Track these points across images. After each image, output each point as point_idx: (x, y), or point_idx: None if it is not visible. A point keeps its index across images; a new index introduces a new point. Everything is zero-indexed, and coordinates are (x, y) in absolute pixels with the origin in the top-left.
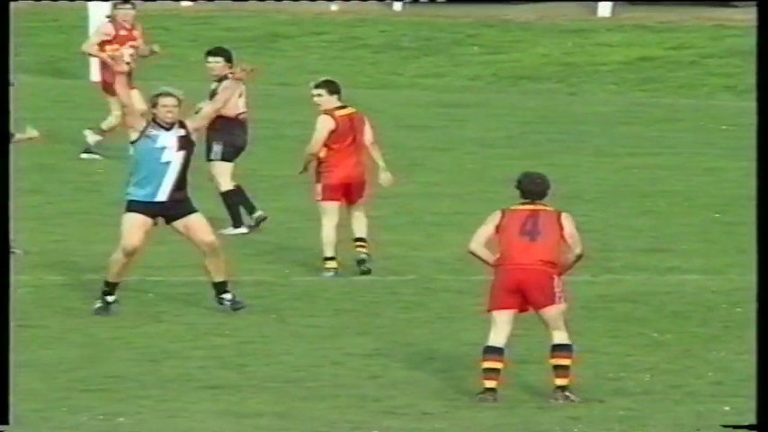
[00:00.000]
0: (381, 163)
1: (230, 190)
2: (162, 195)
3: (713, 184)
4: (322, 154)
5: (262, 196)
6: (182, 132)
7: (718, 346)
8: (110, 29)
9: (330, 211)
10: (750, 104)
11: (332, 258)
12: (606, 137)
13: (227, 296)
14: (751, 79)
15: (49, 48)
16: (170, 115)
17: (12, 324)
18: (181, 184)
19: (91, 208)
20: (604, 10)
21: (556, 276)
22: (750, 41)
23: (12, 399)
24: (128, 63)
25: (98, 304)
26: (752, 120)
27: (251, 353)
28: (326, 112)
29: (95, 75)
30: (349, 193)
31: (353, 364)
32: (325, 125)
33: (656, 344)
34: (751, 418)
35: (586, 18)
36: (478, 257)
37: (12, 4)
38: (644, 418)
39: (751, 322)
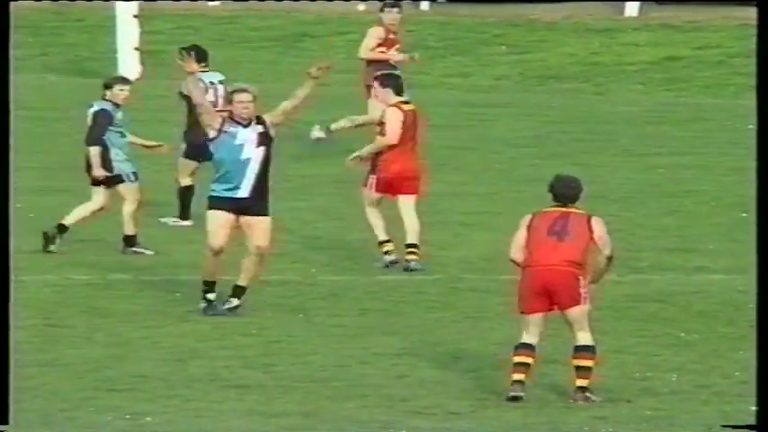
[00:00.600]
0: None
1: (187, 186)
2: (243, 192)
3: (740, 184)
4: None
5: (287, 195)
6: (260, 129)
7: (745, 346)
8: (381, 32)
9: (375, 201)
10: None
11: (387, 241)
12: (632, 137)
13: (234, 300)
14: None
15: (75, 47)
16: (246, 111)
17: (37, 323)
18: (262, 179)
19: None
20: (631, 9)
21: (581, 277)
22: None
23: (38, 398)
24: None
25: (202, 305)
26: None
27: (277, 352)
28: (393, 105)
29: (122, 74)
30: (400, 186)
31: (380, 363)
32: (397, 117)
33: (682, 344)
34: None
35: (613, 18)
36: (519, 265)
37: (27, 4)
38: (671, 418)
39: None
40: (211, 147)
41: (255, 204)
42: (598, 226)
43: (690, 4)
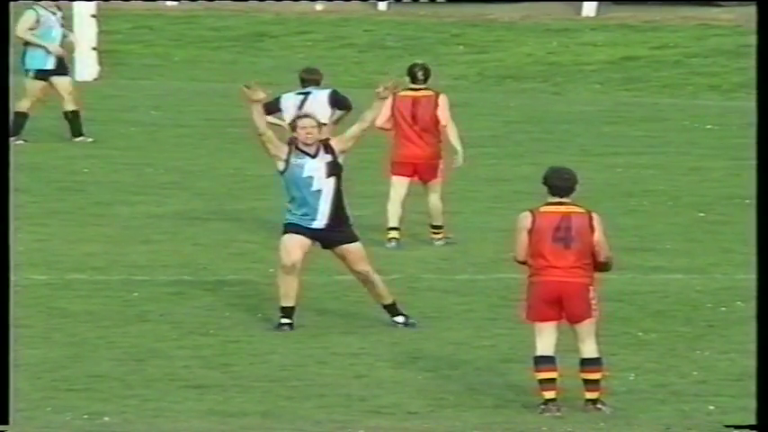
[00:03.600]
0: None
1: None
2: (319, 223)
3: (697, 184)
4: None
5: (246, 195)
6: (328, 158)
7: (703, 346)
8: None
9: (394, 185)
10: (734, 104)
11: (394, 228)
12: (590, 136)
13: (399, 319)
14: (735, 79)
15: None
16: (310, 137)
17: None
18: (337, 208)
19: (75, 207)
20: (589, 9)
21: (592, 287)
22: (734, 41)
23: None
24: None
25: (282, 327)
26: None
27: (236, 352)
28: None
29: (79, 74)
30: (414, 171)
31: (339, 363)
32: (388, 102)
33: (640, 343)
34: (735, 418)
35: (571, 17)
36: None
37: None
38: (628, 418)
39: (736, 321)
40: (282, 178)
41: (333, 233)
42: (599, 227)
43: (647, 4)
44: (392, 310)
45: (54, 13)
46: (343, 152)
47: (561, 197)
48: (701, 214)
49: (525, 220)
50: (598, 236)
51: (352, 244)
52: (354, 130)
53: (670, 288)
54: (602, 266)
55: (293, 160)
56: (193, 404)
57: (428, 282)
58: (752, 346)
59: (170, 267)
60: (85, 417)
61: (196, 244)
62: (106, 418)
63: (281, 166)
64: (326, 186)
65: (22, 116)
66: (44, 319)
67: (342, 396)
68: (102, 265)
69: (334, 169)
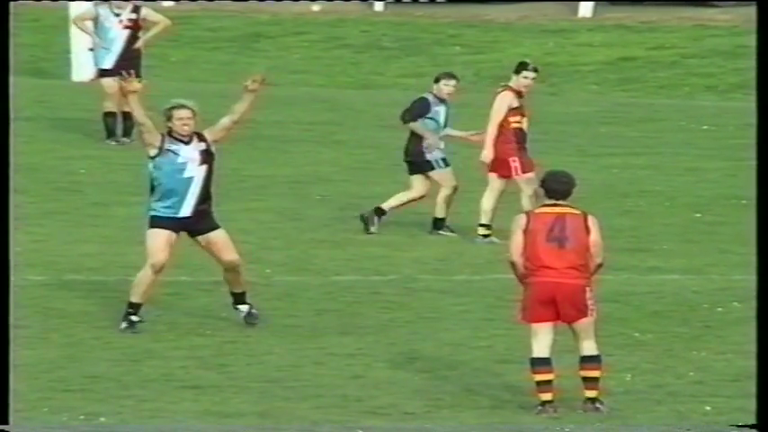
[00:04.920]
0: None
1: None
2: (186, 210)
3: (694, 185)
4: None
5: (243, 196)
6: (202, 146)
7: (699, 346)
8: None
9: (490, 181)
10: (731, 104)
11: (484, 226)
12: (587, 137)
13: (243, 307)
14: (732, 79)
15: (30, 48)
16: (186, 128)
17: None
18: (204, 197)
19: (72, 208)
20: (585, 10)
21: (588, 288)
22: (731, 41)
23: None
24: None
25: (123, 325)
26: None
27: (232, 353)
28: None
29: (75, 75)
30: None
31: (335, 364)
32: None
33: (636, 344)
34: (732, 419)
35: (567, 18)
36: (516, 269)
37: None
38: (625, 418)
39: (732, 322)
40: (151, 165)
41: (200, 220)
42: (594, 227)
43: (644, 4)
44: (240, 298)
45: (117, 15)
46: (215, 142)
47: (558, 200)
48: (698, 215)
49: (521, 220)
50: (594, 237)
51: (217, 231)
52: (225, 121)
53: (666, 289)
54: (596, 269)
55: (167, 146)
56: (190, 405)
57: (425, 282)
58: (749, 347)
59: (166, 268)
60: (82, 417)
61: (192, 244)
62: (103, 419)
63: (152, 152)
64: (198, 173)
65: (109, 116)
66: (41, 319)
67: (338, 397)
68: (99, 265)
69: (208, 157)
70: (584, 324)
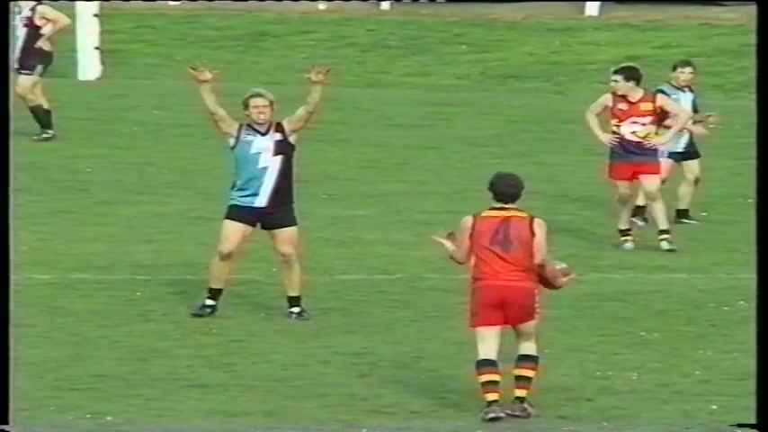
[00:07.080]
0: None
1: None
2: (261, 201)
3: (700, 183)
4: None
5: None
6: (278, 137)
7: (705, 345)
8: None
9: (618, 186)
10: (737, 103)
11: (625, 230)
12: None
13: (295, 309)
14: (738, 78)
15: None
16: (262, 116)
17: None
18: (281, 188)
19: (78, 207)
20: (592, 9)
21: (536, 291)
22: (737, 40)
23: None
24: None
25: (197, 309)
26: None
27: (238, 351)
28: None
29: (82, 74)
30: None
31: (341, 362)
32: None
33: (643, 342)
34: (738, 418)
35: (574, 17)
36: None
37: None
38: (631, 417)
39: (738, 321)
40: (230, 154)
41: (275, 213)
42: (540, 230)
43: (650, 3)
44: (293, 301)
45: (19, 13)
46: (293, 132)
47: (506, 203)
48: (704, 213)
49: (467, 222)
50: (538, 239)
51: (290, 228)
52: (301, 111)
53: (673, 287)
54: (545, 281)
55: (243, 136)
56: (196, 404)
57: (431, 281)
58: (755, 346)
59: (173, 267)
60: (88, 416)
61: (199, 243)
62: (109, 418)
63: (231, 142)
64: (273, 164)
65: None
66: (47, 318)
67: (344, 395)
68: (105, 264)
69: (284, 148)
70: (528, 326)
